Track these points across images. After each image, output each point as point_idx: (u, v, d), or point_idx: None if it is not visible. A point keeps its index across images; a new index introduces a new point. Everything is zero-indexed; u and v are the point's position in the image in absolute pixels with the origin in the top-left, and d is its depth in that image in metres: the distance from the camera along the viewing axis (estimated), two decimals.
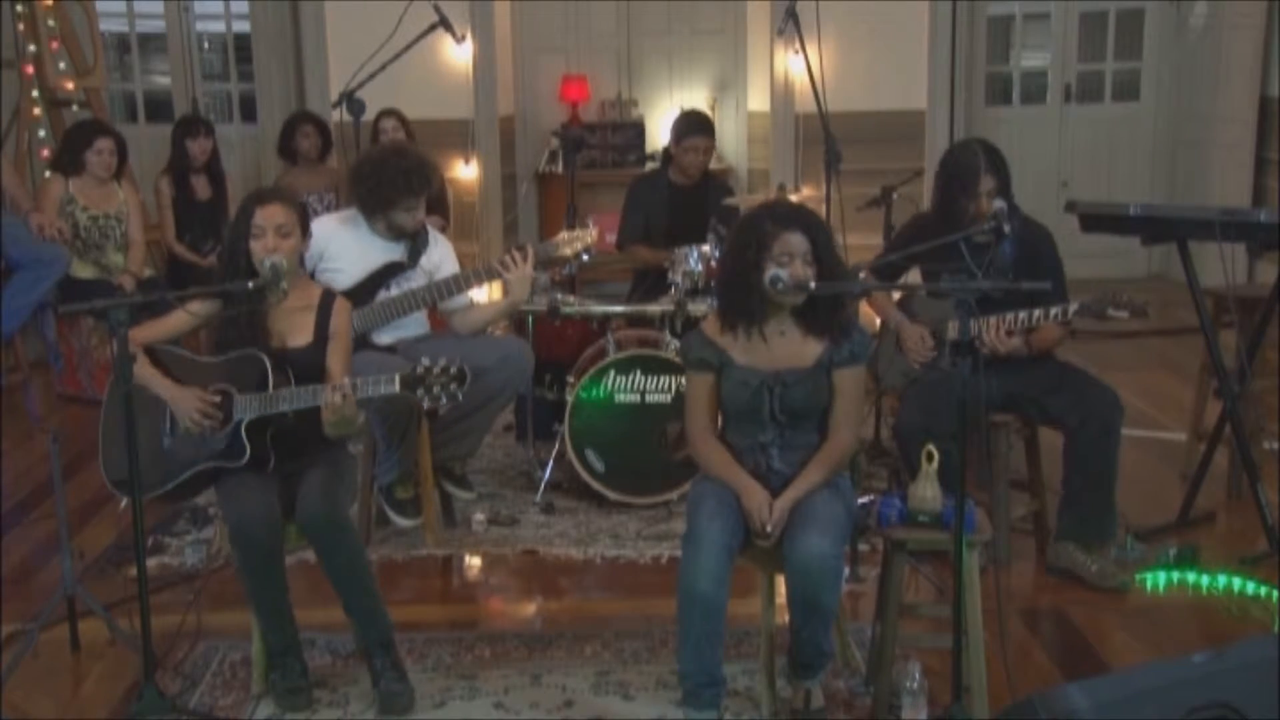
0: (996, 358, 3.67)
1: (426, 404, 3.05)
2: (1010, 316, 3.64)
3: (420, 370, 3.02)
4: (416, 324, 4.26)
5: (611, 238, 5.57)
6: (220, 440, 3.21)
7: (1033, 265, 3.79)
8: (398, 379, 3.03)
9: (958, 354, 2.70)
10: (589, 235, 4.34)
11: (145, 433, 3.26)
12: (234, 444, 3.19)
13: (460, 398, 3.05)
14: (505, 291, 4.17)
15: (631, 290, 5.34)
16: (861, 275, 4.08)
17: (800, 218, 3.04)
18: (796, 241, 2.97)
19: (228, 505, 3.14)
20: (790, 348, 3.05)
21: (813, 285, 2.96)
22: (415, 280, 4.19)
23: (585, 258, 4.47)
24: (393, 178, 4.07)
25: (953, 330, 2.74)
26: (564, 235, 4.32)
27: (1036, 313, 3.62)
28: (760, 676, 3.09)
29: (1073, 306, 3.58)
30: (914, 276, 4.31)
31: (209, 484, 3.30)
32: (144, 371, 3.20)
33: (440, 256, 4.28)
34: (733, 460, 3.05)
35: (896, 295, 4.23)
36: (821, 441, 3.05)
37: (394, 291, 4.16)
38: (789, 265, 2.96)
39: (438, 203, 6.53)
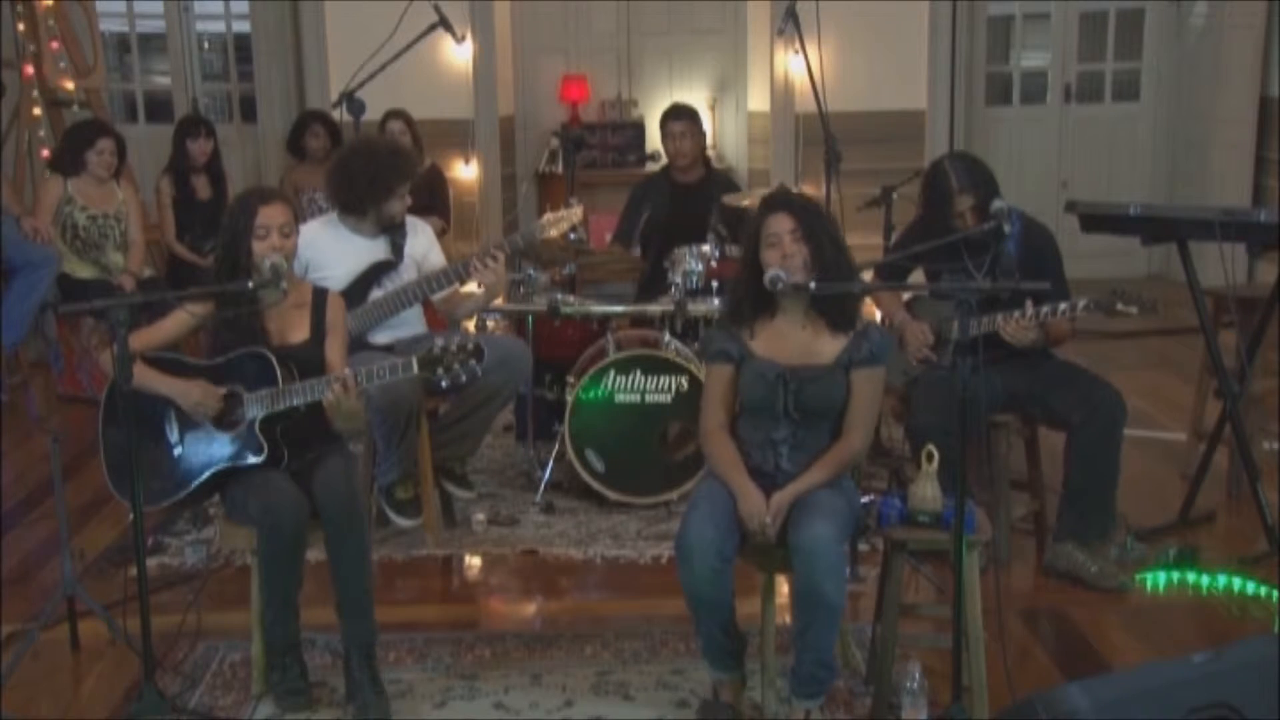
0: (1012, 352, 3.71)
1: (446, 383, 3.08)
2: (1030, 311, 3.65)
3: (437, 350, 3.06)
4: (413, 323, 4.25)
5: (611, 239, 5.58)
6: (234, 441, 3.21)
7: (1037, 265, 3.80)
8: (415, 361, 3.07)
9: (960, 353, 2.70)
10: (575, 214, 4.31)
11: (153, 444, 3.27)
12: (250, 441, 3.19)
13: (479, 372, 3.10)
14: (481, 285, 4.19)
15: (639, 290, 5.32)
16: (866, 276, 4.09)
17: (785, 200, 3.11)
18: (781, 221, 3.01)
19: (256, 494, 3.13)
20: (809, 344, 3.05)
21: (812, 285, 2.96)
22: (406, 273, 4.19)
23: (573, 236, 4.45)
24: (382, 169, 4.07)
25: (956, 330, 2.74)
26: (549, 216, 4.29)
27: (1045, 309, 3.63)
28: (761, 676, 3.09)
29: (1082, 301, 3.58)
30: (916, 276, 4.32)
31: (217, 489, 3.30)
32: (142, 371, 3.19)
33: (425, 245, 4.28)
34: (738, 461, 3.03)
35: (907, 295, 4.24)
36: (833, 445, 3.05)
37: (386, 289, 4.15)
38: (777, 245, 2.99)
39: (438, 203, 6.54)
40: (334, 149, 6.71)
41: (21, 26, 6.62)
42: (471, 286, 4.24)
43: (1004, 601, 3.50)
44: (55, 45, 6.68)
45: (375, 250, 4.19)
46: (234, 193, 6.27)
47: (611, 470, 4.45)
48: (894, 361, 4.06)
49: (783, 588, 3.36)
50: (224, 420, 3.24)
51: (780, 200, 3.11)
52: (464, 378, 3.08)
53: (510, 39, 8.36)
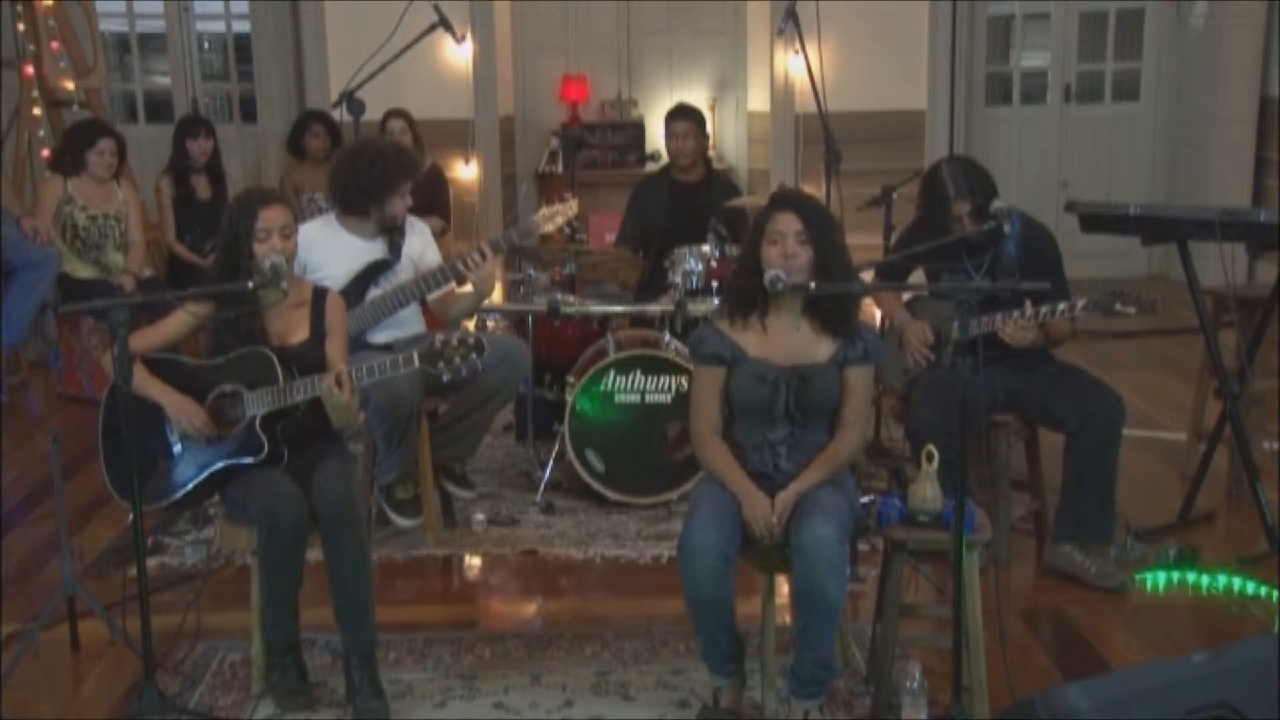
0: (1012, 352, 3.71)
1: (447, 376, 3.09)
2: (1030, 311, 3.65)
3: (438, 344, 3.06)
4: (412, 323, 4.25)
5: (612, 238, 5.57)
6: (234, 439, 3.21)
7: (1036, 265, 3.80)
8: (416, 355, 3.07)
9: (961, 353, 2.71)
10: (570, 208, 4.30)
11: (153, 444, 3.27)
12: (250, 440, 3.19)
13: (480, 366, 3.09)
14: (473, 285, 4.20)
15: (639, 290, 5.32)
16: (867, 275, 4.09)
17: (793, 199, 3.10)
18: (786, 220, 3.00)
19: (256, 493, 3.12)
20: (804, 344, 3.05)
21: (813, 286, 2.96)
22: (403, 272, 4.19)
23: (569, 231, 4.42)
24: (387, 167, 4.08)
25: (957, 330, 2.75)
26: (545, 211, 4.28)
27: (1044, 309, 3.63)
28: (761, 676, 3.09)
29: (1081, 301, 3.58)
30: (917, 276, 4.33)
31: (218, 488, 3.30)
32: (142, 376, 3.19)
33: (422, 244, 4.28)
34: (735, 464, 3.03)
35: (906, 296, 4.24)
36: (830, 442, 3.05)
37: (383, 288, 4.15)
38: (780, 244, 2.99)
39: (438, 203, 6.54)
40: (334, 149, 6.72)
41: (21, 26, 6.61)
42: (467, 286, 4.25)
43: (1004, 601, 3.51)
44: (55, 45, 6.68)
45: (373, 250, 4.18)
46: (234, 193, 6.28)
47: (611, 470, 4.45)
48: (894, 361, 4.06)
49: (783, 588, 3.36)
50: (222, 424, 3.24)
51: (789, 199, 3.10)
52: (465, 372, 3.08)
53: (510, 39, 8.35)
